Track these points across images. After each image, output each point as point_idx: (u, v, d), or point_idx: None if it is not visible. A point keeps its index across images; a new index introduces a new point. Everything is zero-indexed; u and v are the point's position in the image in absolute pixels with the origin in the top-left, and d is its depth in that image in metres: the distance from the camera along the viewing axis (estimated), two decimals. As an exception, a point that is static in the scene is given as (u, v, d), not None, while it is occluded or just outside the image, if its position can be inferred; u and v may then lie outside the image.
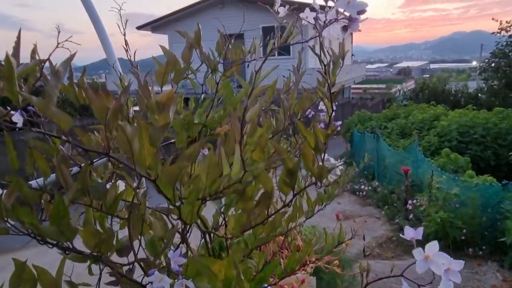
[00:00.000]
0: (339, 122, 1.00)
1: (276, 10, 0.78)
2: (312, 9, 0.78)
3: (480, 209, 4.32)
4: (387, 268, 4.31)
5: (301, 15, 0.81)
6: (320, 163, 0.57)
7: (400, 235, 0.89)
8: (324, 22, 0.50)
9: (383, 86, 30.66)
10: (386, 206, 6.00)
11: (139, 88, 0.84)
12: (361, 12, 0.50)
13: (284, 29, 0.91)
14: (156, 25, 18.15)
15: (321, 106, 0.97)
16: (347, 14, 0.52)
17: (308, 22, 0.52)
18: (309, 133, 0.56)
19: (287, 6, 0.79)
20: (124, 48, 0.89)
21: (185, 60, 0.83)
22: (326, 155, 1.08)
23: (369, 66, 62.12)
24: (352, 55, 27.78)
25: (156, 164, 0.48)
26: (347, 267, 3.78)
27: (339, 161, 1.19)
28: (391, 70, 62.76)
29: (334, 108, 0.69)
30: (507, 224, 3.88)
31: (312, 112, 0.96)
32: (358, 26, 0.52)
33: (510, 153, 6.16)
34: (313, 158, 0.56)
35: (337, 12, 0.50)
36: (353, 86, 23.81)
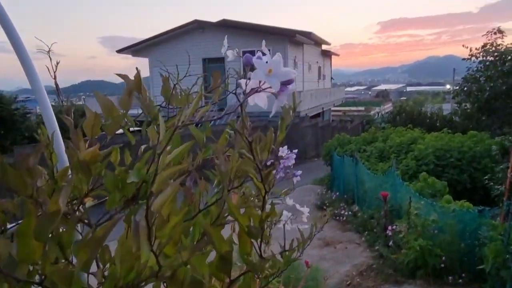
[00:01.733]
0: (299, 172, 0.92)
1: (223, 54, 0.70)
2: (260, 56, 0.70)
3: (458, 236, 4.30)
4: (368, 299, 4.20)
5: (254, 60, 0.73)
6: (259, 256, 0.47)
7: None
8: (244, 92, 0.42)
9: (362, 108, 31.33)
10: (366, 232, 5.93)
11: (71, 136, 0.74)
12: (288, 82, 0.42)
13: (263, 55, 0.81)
14: (136, 49, 18.11)
15: (281, 152, 0.88)
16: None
17: (241, 88, 0.44)
18: (242, 216, 0.47)
19: (236, 50, 0.72)
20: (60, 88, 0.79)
21: (123, 108, 0.74)
22: (299, 171, 0.99)
23: (348, 88, 63.58)
24: (332, 78, 28.40)
25: (43, 263, 0.38)
26: (326, 301, 3.65)
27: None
28: (370, 92, 64.42)
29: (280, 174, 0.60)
30: (485, 251, 3.86)
31: (271, 160, 0.88)
32: (285, 98, 0.44)
33: (485, 177, 6.24)
34: (250, 245, 0.47)
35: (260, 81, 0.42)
36: (333, 108, 24.23)
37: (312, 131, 15.75)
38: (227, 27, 16.32)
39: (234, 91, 0.49)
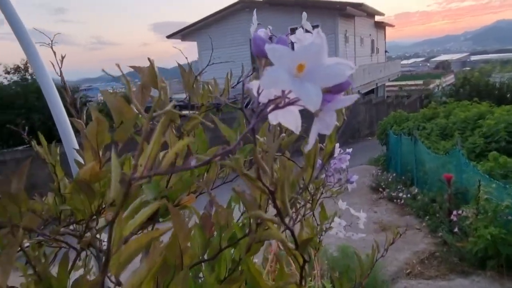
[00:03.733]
0: (355, 178, 0.75)
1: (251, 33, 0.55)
2: (307, 30, 0.54)
3: (537, 223, 3.82)
4: (431, 289, 3.91)
5: (292, 37, 0.57)
6: None
7: None
8: (253, 111, 0.25)
9: (420, 82, 29.19)
10: (427, 217, 5.53)
11: (83, 143, 0.63)
12: (339, 88, 0.24)
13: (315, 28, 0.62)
14: (185, 33, 18.34)
15: (337, 153, 0.72)
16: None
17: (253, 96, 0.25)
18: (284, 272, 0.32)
19: (269, 27, 0.56)
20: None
21: (137, 107, 0.62)
22: (355, 176, 0.83)
23: (404, 61, 59.70)
24: (386, 51, 26.74)
25: None
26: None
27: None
28: (428, 64, 59.93)
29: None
30: None
31: (320, 161, 0.72)
32: (334, 118, 0.26)
33: None
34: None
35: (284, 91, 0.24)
36: (387, 84, 22.88)
37: (365, 109, 15.04)
38: (273, 4, 15.86)
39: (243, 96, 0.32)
